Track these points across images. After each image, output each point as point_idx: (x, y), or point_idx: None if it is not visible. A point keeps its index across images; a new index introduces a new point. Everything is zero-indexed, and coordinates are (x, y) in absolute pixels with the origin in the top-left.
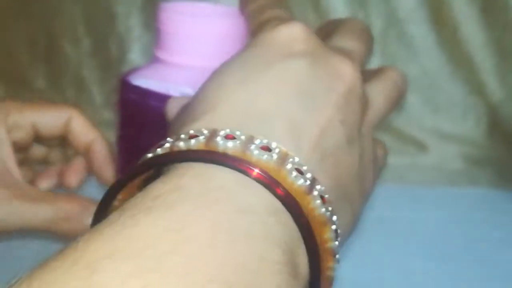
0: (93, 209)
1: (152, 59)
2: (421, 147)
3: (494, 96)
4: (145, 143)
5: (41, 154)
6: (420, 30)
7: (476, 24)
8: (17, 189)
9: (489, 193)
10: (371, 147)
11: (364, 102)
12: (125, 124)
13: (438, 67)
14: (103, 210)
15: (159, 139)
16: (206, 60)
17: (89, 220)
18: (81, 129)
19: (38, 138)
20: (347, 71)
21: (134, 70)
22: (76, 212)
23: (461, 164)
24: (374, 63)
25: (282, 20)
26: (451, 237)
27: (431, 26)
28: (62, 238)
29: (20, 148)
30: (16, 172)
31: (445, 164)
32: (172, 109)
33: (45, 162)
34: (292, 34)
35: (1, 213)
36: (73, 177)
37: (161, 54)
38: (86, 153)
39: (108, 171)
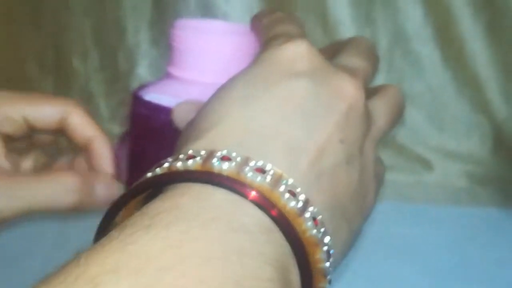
0: (93, 179)
1: (164, 75)
2: (426, 165)
3: (499, 114)
4: (155, 157)
5: (48, 139)
6: (426, 48)
7: (482, 43)
8: (12, 175)
9: (492, 211)
10: (373, 164)
11: (368, 119)
12: (136, 138)
13: (443, 84)
14: (105, 227)
15: (170, 154)
16: (217, 76)
17: (94, 191)
18: (80, 125)
19: (33, 131)
20: (349, 89)
21: (145, 85)
22: (76, 183)
23: (465, 182)
24: (380, 80)
25: (289, 37)
26: (453, 256)
27: (437, 44)
28: (68, 214)
29: (14, 140)
30: (5, 163)
31: (449, 182)
32: (179, 114)
33: (55, 145)
34: (296, 52)
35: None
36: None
37: (173, 70)
38: (86, 149)
39: (107, 170)
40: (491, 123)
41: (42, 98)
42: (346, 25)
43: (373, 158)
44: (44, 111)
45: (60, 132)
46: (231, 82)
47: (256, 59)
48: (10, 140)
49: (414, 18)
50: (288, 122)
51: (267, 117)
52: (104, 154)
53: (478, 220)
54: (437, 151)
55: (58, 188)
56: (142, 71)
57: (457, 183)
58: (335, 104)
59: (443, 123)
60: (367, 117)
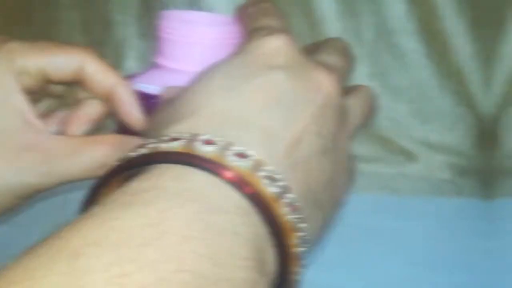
0: (126, 145)
1: (151, 65)
2: (410, 157)
3: (482, 107)
4: None
5: (60, 90)
6: (410, 42)
7: (466, 36)
8: (46, 148)
9: (475, 202)
10: (346, 157)
11: (342, 114)
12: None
13: (427, 78)
14: (88, 204)
15: None
16: (203, 65)
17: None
18: (97, 74)
19: (49, 82)
20: (325, 84)
21: (133, 75)
22: (110, 156)
23: (448, 174)
24: (364, 73)
25: (271, 30)
26: (437, 246)
27: (421, 38)
28: None
29: (30, 94)
30: (37, 123)
31: (433, 174)
32: (168, 98)
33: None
34: (277, 46)
35: (36, 177)
36: (75, 126)
37: (159, 60)
38: (108, 99)
39: (136, 114)
40: (475, 116)
41: (56, 47)
42: (331, 18)
43: (346, 152)
44: (60, 62)
45: (78, 83)
46: (213, 70)
47: (238, 50)
48: (29, 94)
49: (398, 12)
50: (267, 112)
51: (245, 107)
52: (129, 100)
53: (461, 211)
54: (421, 144)
55: (94, 162)
56: (131, 64)
57: (441, 175)
58: (312, 97)
59: (427, 116)
60: (342, 112)
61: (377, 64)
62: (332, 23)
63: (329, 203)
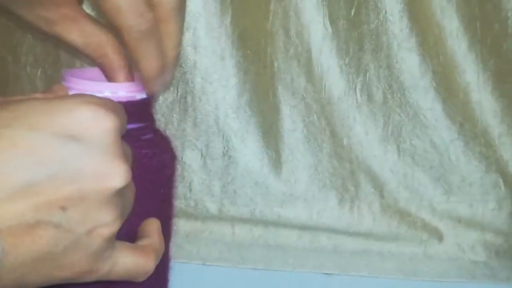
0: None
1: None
2: (434, 233)
3: None
4: None
5: None
6: (425, 99)
7: (489, 92)
8: None
9: None
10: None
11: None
12: None
13: (449, 140)
14: None
15: None
16: None
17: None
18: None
19: None
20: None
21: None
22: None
23: (482, 254)
24: (376, 136)
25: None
26: None
27: (437, 94)
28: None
29: None
30: None
31: (462, 254)
32: None
33: None
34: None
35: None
36: None
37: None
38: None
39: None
40: (508, 185)
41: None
42: (333, 75)
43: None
44: None
45: None
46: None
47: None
48: None
49: (410, 66)
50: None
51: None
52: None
53: None
54: (447, 218)
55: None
56: None
57: (472, 255)
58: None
59: (451, 185)
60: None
61: (389, 125)
62: (335, 80)
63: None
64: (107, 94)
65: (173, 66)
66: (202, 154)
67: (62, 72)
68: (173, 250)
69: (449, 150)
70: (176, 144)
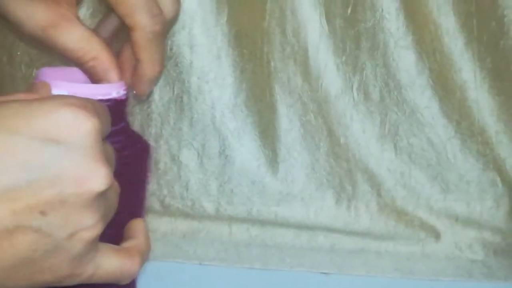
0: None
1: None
2: (431, 232)
3: None
4: None
5: None
6: (422, 97)
7: (487, 92)
8: None
9: (509, 287)
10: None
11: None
12: None
13: (446, 139)
14: None
15: None
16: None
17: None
18: None
19: None
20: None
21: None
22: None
23: (480, 253)
24: (373, 134)
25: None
26: None
27: (434, 92)
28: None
29: None
30: None
31: (460, 253)
32: None
33: None
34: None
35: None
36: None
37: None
38: None
39: None
40: (506, 183)
41: None
42: (330, 74)
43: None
44: None
45: None
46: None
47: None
48: None
49: (407, 64)
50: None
51: None
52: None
53: None
54: (444, 216)
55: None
56: None
57: (470, 254)
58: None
59: (448, 184)
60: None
61: (386, 124)
62: (332, 79)
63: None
64: (93, 94)
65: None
66: (198, 154)
67: (36, 72)
68: (170, 250)
69: (446, 148)
70: (172, 143)
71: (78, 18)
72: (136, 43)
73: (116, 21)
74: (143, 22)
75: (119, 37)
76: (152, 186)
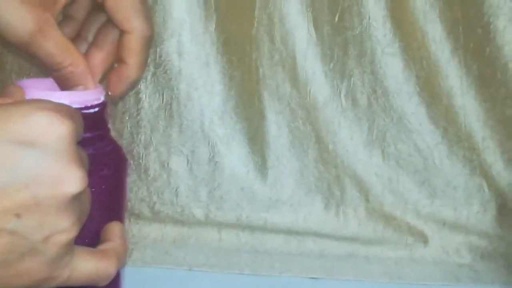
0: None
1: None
2: (419, 237)
3: (500, 178)
4: None
5: None
6: (409, 104)
7: (473, 98)
8: None
9: None
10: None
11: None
12: None
13: (433, 145)
14: None
15: None
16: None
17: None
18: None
19: None
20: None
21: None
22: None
23: (467, 257)
24: (360, 141)
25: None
26: None
27: (421, 98)
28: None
29: None
30: None
31: (447, 257)
32: None
33: None
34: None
35: None
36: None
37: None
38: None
39: None
40: (492, 188)
41: None
42: (318, 80)
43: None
44: None
45: None
46: None
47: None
48: None
49: (394, 71)
50: None
51: None
52: None
53: None
54: (432, 221)
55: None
56: None
57: (458, 258)
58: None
59: (435, 189)
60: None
61: (374, 130)
62: (320, 86)
63: None
64: (65, 102)
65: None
66: (188, 160)
67: (14, 82)
68: (160, 256)
69: (433, 154)
70: (162, 150)
71: (57, 24)
72: (129, 47)
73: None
74: (140, 27)
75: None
76: (141, 192)
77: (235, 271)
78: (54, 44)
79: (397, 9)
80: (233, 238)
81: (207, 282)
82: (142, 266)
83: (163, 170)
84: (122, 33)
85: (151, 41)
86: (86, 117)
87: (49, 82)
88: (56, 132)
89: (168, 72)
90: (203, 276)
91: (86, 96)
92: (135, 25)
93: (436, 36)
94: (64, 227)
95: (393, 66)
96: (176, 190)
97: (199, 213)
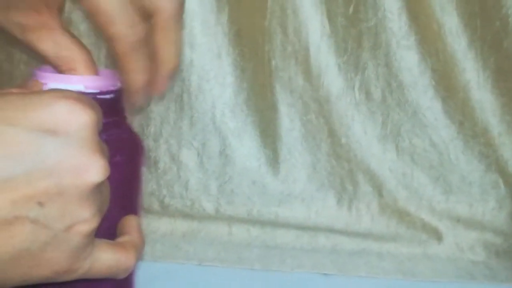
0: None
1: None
2: (433, 233)
3: None
4: None
5: None
6: (424, 98)
7: (490, 92)
8: None
9: None
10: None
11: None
12: None
13: (448, 140)
14: None
15: None
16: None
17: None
18: None
19: None
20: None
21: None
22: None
23: (482, 254)
24: (374, 135)
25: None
26: None
27: (436, 92)
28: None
29: None
30: None
31: (461, 254)
32: None
33: None
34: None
35: None
36: None
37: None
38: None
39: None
40: (508, 185)
41: None
42: (331, 73)
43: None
44: None
45: None
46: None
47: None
48: None
49: (409, 64)
50: None
51: None
52: None
53: None
54: (446, 218)
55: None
56: None
57: (472, 255)
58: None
59: (450, 185)
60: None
61: (388, 124)
62: (333, 78)
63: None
64: (79, 88)
65: (173, 75)
66: (198, 153)
67: (32, 70)
68: (169, 250)
69: (449, 149)
70: (172, 143)
71: (61, 27)
72: (117, 54)
73: None
74: (118, 34)
75: None
76: (151, 186)
77: (246, 266)
78: (50, 47)
79: (413, 1)
80: (244, 232)
81: (217, 277)
82: (152, 260)
83: (173, 163)
84: (107, 40)
85: (138, 47)
86: (100, 102)
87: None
88: (78, 120)
89: (179, 63)
90: (213, 270)
91: (102, 82)
92: (114, 31)
93: (452, 29)
94: (86, 217)
95: (408, 59)
96: (186, 183)
97: (209, 207)
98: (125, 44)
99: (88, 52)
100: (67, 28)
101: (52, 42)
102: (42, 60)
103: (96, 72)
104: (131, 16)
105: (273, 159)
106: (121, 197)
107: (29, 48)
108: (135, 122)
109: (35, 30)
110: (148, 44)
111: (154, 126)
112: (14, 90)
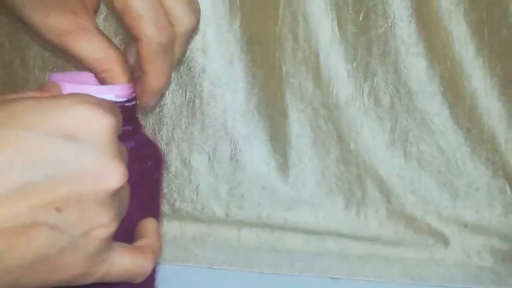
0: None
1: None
2: (440, 239)
3: None
4: None
5: None
6: (432, 104)
7: (497, 99)
8: None
9: None
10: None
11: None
12: None
13: (456, 146)
14: None
15: None
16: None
17: None
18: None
19: None
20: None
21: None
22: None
23: (489, 260)
24: (382, 141)
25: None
26: None
27: (444, 99)
28: None
29: None
30: None
31: (468, 259)
32: None
33: None
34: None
35: None
36: None
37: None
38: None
39: None
40: None
41: None
42: (341, 79)
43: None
44: None
45: None
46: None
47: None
48: None
49: (418, 71)
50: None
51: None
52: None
53: None
54: (454, 223)
55: None
56: None
57: (479, 261)
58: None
59: (457, 190)
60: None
61: (396, 130)
62: (343, 85)
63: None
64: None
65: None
66: (209, 158)
67: (48, 74)
68: (179, 254)
69: (456, 155)
70: (183, 147)
71: (97, 28)
72: (142, 55)
73: None
74: (148, 34)
75: None
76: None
77: (255, 269)
78: (87, 49)
79: (422, 8)
80: (253, 236)
81: (227, 280)
82: (162, 263)
83: (184, 167)
84: (134, 40)
85: (167, 49)
86: (122, 110)
87: (83, 76)
88: (98, 126)
89: (191, 69)
90: (222, 274)
91: (123, 91)
92: (142, 31)
93: (460, 36)
94: (104, 222)
95: (417, 66)
96: (196, 187)
97: (219, 211)
98: (153, 45)
99: (122, 53)
100: (100, 29)
101: (88, 44)
102: (58, 64)
103: (129, 73)
104: (160, 18)
105: (283, 164)
106: (142, 202)
107: (64, 51)
108: (147, 127)
109: (70, 32)
110: (173, 49)
111: (166, 131)
112: (32, 94)
